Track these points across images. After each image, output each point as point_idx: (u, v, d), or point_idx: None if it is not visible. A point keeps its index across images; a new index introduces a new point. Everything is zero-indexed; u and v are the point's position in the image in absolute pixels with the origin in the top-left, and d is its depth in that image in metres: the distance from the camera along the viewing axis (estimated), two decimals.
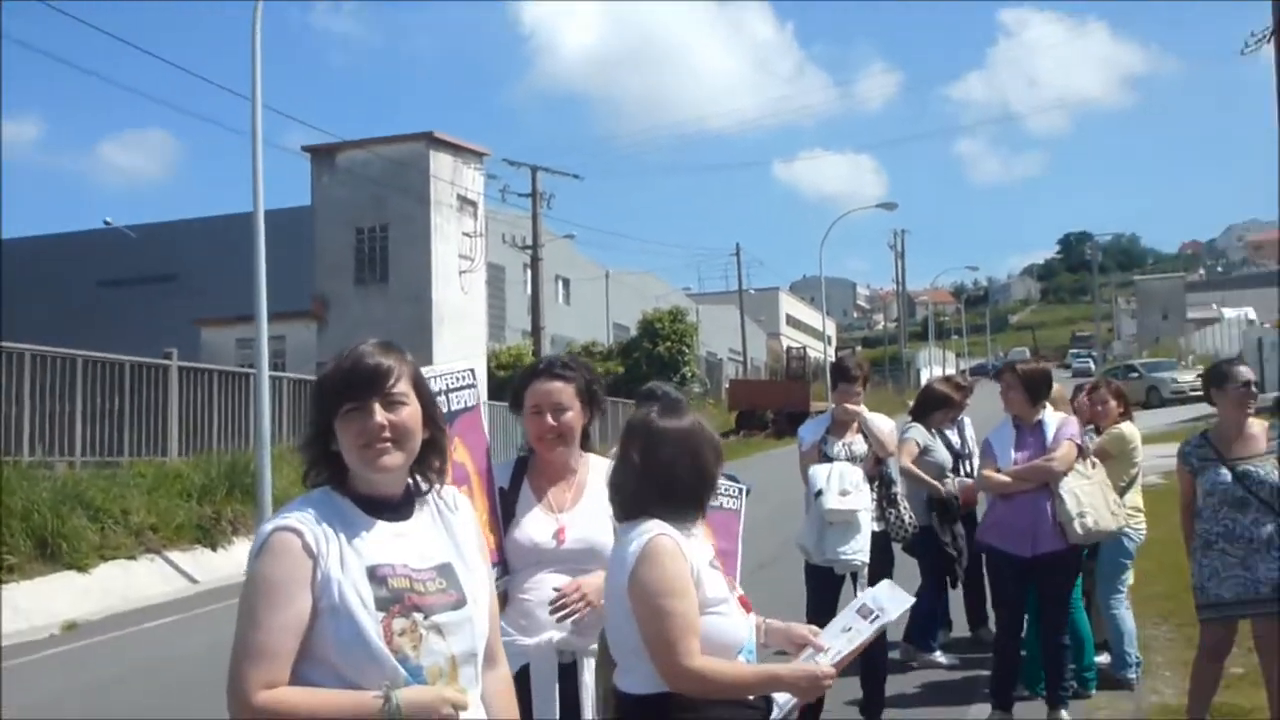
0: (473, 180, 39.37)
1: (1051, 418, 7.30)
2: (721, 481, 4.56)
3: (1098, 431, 8.55)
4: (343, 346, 2.81)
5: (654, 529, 3.30)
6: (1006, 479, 7.18)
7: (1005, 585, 7.40)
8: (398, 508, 2.74)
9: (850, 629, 3.52)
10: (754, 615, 3.49)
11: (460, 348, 35.37)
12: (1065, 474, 7.04)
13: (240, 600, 2.58)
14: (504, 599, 3.93)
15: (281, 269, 19.25)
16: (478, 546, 2.86)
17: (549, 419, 4.11)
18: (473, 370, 4.23)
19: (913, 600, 3.68)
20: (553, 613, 3.90)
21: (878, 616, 3.53)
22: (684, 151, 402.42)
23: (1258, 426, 6.50)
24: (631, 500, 3.41)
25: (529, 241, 40.84)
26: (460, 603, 2.69)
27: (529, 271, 42.63)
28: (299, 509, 2.66)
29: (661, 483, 3.36)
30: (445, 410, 3.76)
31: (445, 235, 37.47)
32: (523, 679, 3.82)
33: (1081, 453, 7.18)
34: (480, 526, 3.10)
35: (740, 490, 4.78)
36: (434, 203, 36.89)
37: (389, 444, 2.69)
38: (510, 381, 4.59)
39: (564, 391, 4.14)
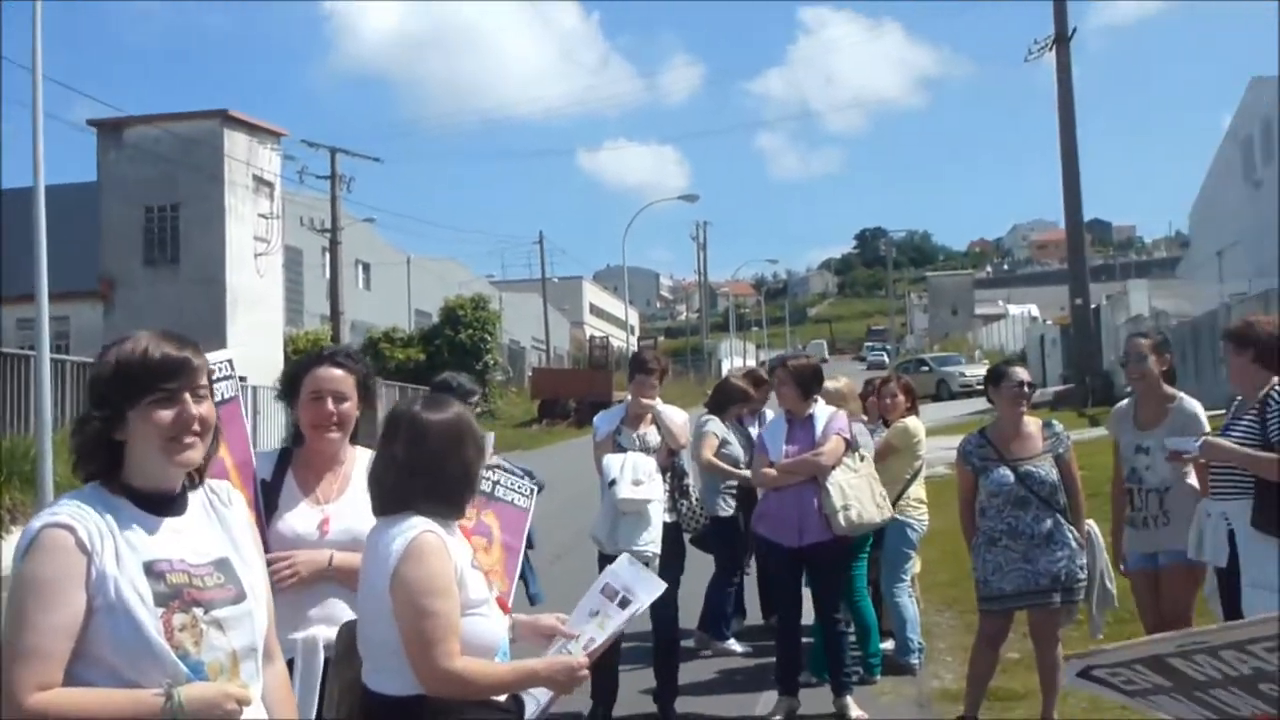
0: (269, 161, 38.41)
1: (821, 412, 7.44)
2: (514, 479, 4.54)
3: (886, 424, 8.83)
4: (126, 332, 2.71)
5: (419, 525, 3.20)
6: (774, 473, 7.34)
7: (779, 575, 7.62)
8: (172, 503, 2.67)
9: (598, 612, 3.49)
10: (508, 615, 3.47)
11: (255, 332, 34.52)
12: (832, 467, 7.21)
13: (8, 600, 2.47)
14: None
15: (66, 247, 18.49)
16: (253, 540, 2.83)
17: (329, 405, 4.05)
18: (230, 361, 4.18)
19: (664, 585, 3.63)
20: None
21: (628, 601, 3.49)
22: (489, 138, 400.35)
23: (1033, 425, 6.80)
24: (391, 494, 3.32)
25: (328, 225, 40.01)
26: (240, 597, 2.66)
27: (328, 255, 41.75)
28: (70, 503, 2.56)
29: (427, 478, 3.27)
30: None
31: (240, 216, 36.49)
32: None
33: (849, 446, 7.35)
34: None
35: (532, 489, 4.76)
36: (228, 183, 35.88)
37: (196, 438, 2.64)
38: (285, 369, 4.49)
39: (345, 380, 4.10)
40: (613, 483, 7.21)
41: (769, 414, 10.06)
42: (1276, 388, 5.71)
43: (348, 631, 3.48)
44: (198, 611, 2.56)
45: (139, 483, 2.63)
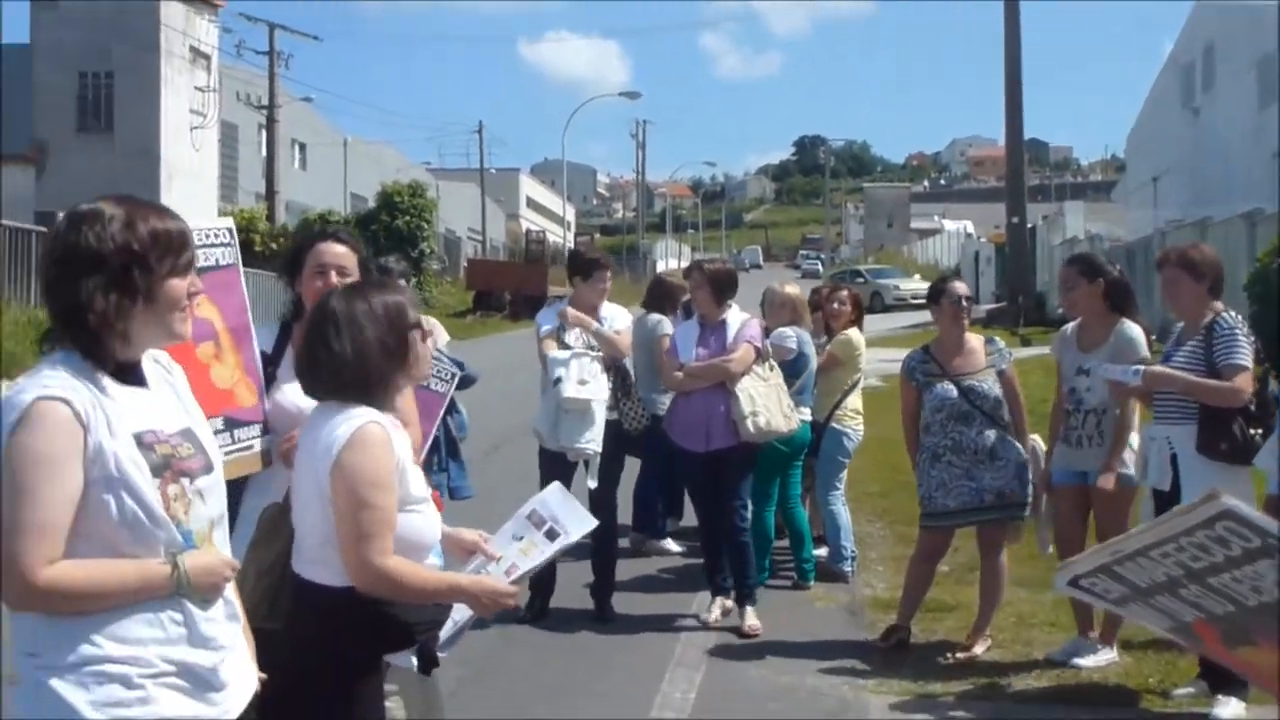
0: (206, 32, 37.51)
1: (734, 318, 7.33)
2: (437, 364, 4.46)
3: (830, 334, 8.85)
4: (87, 200, 2.59)
5: (365, 415, 3.11)
6: (681, 376, 7.29)
7: (689, 480, 7.66)
8: (136, 372, 2.63)
9: (523, 538, 3.39)
10: None
11: (189, 206, 33.68)
12: (741, 374, 7.13)
13: (4, 477, 2.40)
14: (267, 458, 3.93)
15: None
16: (199, 409, 2.81)
17: (333, 278, 4.05)
18: (230, 229, 4.08)
19: (595, 522, 3.51)
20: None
21: (557, 535, 3.38)
22: (429, 21, 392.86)
23: (975, 341, 6.87)
24: (328, 383, 3.21)
25: (265, 101, 39.22)
26: (209, 466, 2.66)
27: (264, 132, 40.93)
28: (55, 373, 2.49)
29: (360, 365, 3.16)
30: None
31: (176, 88, 35.69)
32: None
33: (760, 355, 7.28)
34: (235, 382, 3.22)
35: (453, 374, 4.70)
36: (164, 52, 35.03)
37: (187, 310, 2.65)
38: (287, 245, 4.46)
39: (348, 256, 4.14)
40: (558, 380, 7.19)
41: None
42: (1222, 315, 5.79)
43: (271, 513, 3.46)
44: (185, 482, 2.57)
45: (119, 355, 2.57)
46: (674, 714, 5.91)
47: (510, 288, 43.98)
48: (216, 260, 3.97)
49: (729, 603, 7.38)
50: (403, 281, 6.41)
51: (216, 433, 3.47)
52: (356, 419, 3.10)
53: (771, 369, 7.37)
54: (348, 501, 3.03)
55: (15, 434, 2.42)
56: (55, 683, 2.43)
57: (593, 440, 7.23)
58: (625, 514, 8.97)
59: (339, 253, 4.13)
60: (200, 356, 3.80)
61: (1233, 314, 5.86)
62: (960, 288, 6.99)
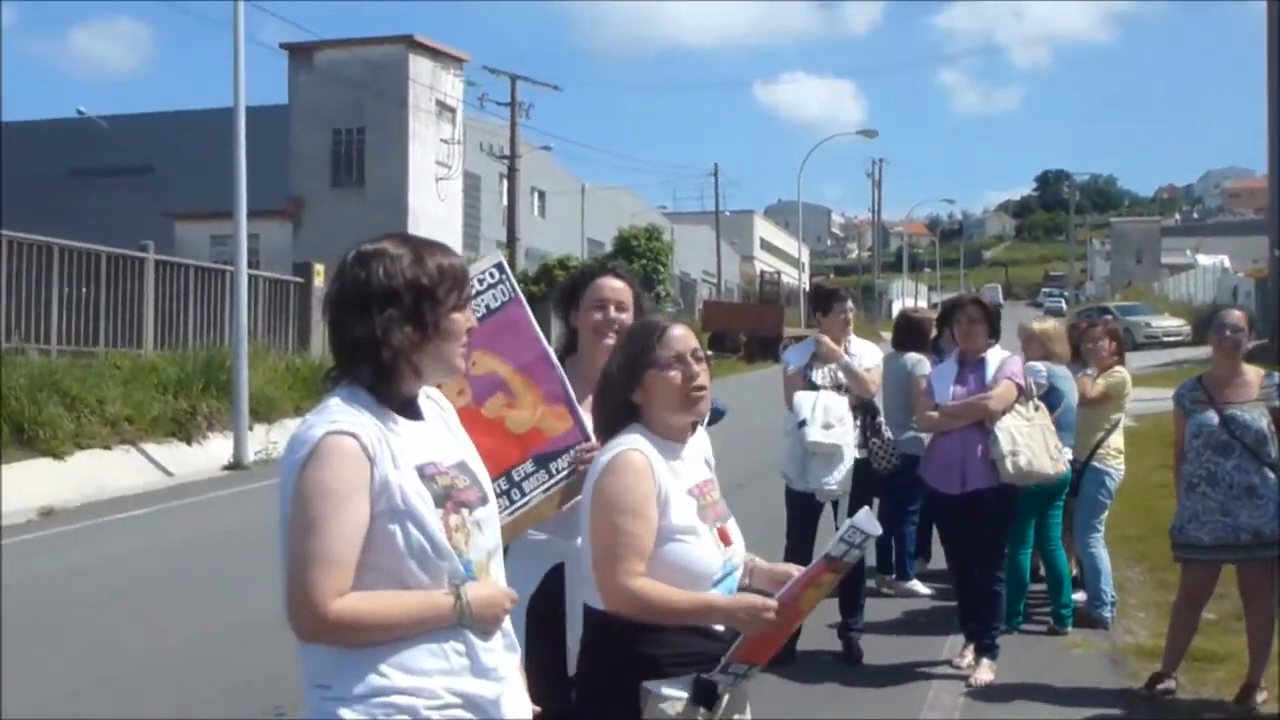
0: (451, 86, 38.96)
1: (994, 355, 7.13)
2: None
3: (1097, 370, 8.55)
4: (373, 239, 2.69)
5: (628, 443, 3.20)
6: (936, 415, 7.12)
7: (941, 522, 7.43)
8: (414, 407, 2.70)
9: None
10: (740, 552, 3.33)
11: None
12: (1001, 412, 6.91)
13: (294, 510, 2.47)
14: None
15: (256, 167, 19.08)
16: (471, 442, 2.86)
17: (611, 312, 4.12)
18: (500, 264, 4.02)
19: (880, 531, 3.40)
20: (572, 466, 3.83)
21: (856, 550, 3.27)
22: (665, 67, 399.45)
23: (1253, 374, 6.54)
24: (611, 417, 3.34)
25: (506, 151, 40.42)
26: (485, 499, 2.71)
27: (505, 181, 42.22)
28: (343, 409, 2.56)
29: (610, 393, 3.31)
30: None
31: (423, 141, 37.18)
32: (557, 578, 3.87)
33: (1022, 393, 7.05)
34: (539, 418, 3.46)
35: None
36: (412, 107, 36.56)
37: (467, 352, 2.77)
38: (565, 279, 4.57)
39: (626, 291, 4.20)
40: (803, 423, 7.15)
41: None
42: None
43: None
44: (465, 513, 2.62)
45: (408, 389, 2.67)
46: None
47: (745, 329, 44.11)
48: (488, 305, 3.92)
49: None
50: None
51: (529, 475, 3.68)
52: (619, 446, 3.20)
53: (1037, 409, 7.14)
54: (600, 524, 3.15)
55: (305, 468, 2.48)
56: (345, 713, 2.48)
57: (841, 481, 7.17)
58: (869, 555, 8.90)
59: (617, 288, 4.18)
60: (488, 414, 3.78)
61: None
62: (1232, 317, 6.69)
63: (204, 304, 21.09)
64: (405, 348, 2.59)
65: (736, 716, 3.33)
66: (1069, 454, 7.79)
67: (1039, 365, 7.93)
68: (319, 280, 23.56)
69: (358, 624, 2.47)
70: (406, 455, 2.57)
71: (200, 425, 17.24)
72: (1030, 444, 6.90)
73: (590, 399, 3.69)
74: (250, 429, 17.24)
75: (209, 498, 14.13)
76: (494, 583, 2.68)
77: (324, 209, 36.27)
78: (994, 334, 7.20)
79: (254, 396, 17.72)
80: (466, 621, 2.57)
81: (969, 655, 7.14)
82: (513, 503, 3.74)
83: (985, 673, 6.93)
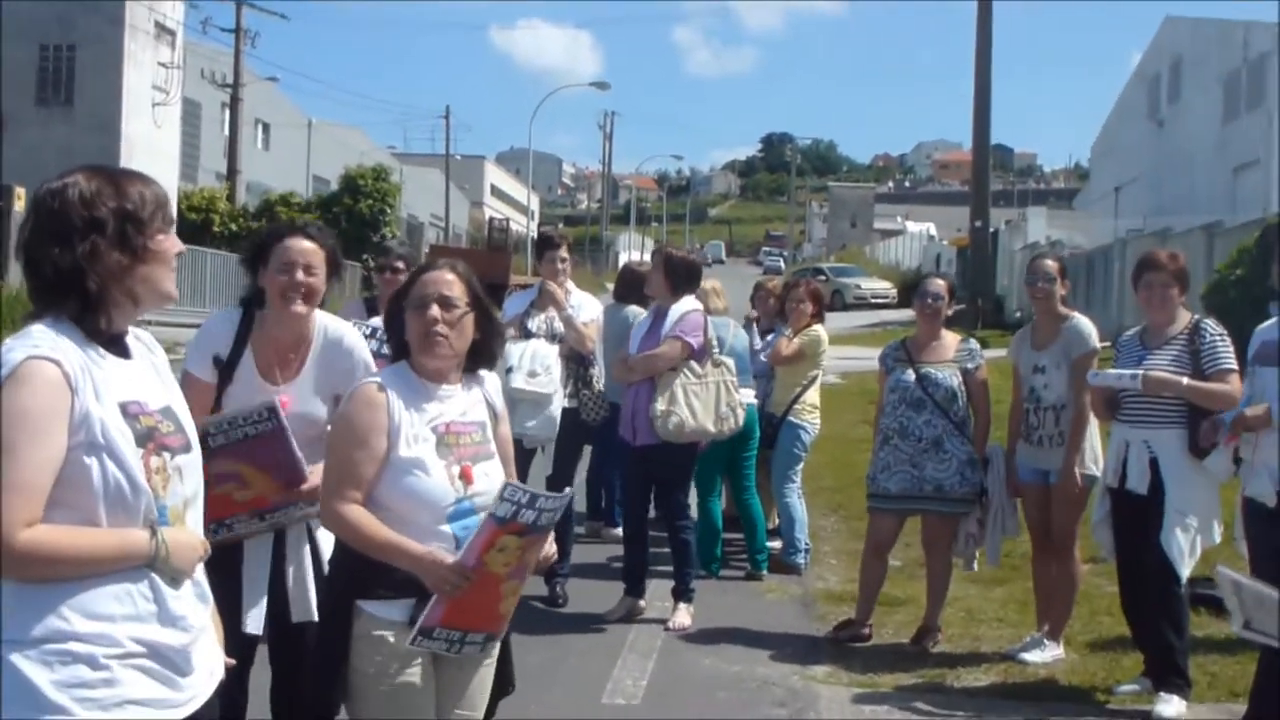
0: (172, 8, 37.13)
1: (676, 310, 7.07)
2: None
3: (792, 330, 8.87)
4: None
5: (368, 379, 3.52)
6: (622, 365, 7.22)
7: (624, 472, 7.56)
8: (123, 345, 2.59)
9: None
10: (490, 494, 3.33)
11: None
12: (664, 369, 6.95)
13: None
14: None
15: None
16: (179, 389, 2.76)
17: (299, 275, 4.01)
18: (273, 407, 3.88)
19: (569, 497, 3.55)
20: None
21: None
22: (401, 5, 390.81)
23: (950, 339, 6.97)
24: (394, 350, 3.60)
25: (229, 80, 38.93)
26: (188, 445, 2.62)
27: (227, 111, 40.68)
28: (45, 333, 2.43)
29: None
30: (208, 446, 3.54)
31: (139, 63, 35.30)
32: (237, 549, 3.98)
33: (696, 351, 7.03)
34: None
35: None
36: (128, 26, 34.63)
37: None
38: (250, 236, 4.43)
39: (315, 254, 4.07)
40: (509, 370, 7.18)
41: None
42: (1205, 321, 5.88)
43: None
44: (166, 456, 2.52)
45: (108, 323, 2.53)
46: (625, 700, 5.92)
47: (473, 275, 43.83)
48: (246, 434, 3.87)
49: (637, 603, 7.28)
50: (400, 264, 6.41)
51: (241, 520, 3.92)
52: (362, 380, 3.56)
53: (716, 366, 7.16)
54: (331, 451, 3.48)
55: (2, 391, 2.34)
56: (16, 659, 2.34)
57: (543, 427, 7.24)
58: (580, 502, 9.03)
59: (306, 249, 4.06)
60: (215, 492, 3.61)
61: (1215, 321, 5.96)
62: (935, 285, 7.06)
63: None
64: (116, 272, 2.49)
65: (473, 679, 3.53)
66: (749, 395, 8.00)
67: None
68: (19, 204, 22.16)
69: (48, 555, 2.34)
70: (110, 390, 2.46)
71: None
72: (693, 403, 6.95)
73: (275, 367, 4.06)
74: None
75: None
76: (191, 530, 2.60)
77: (27, 128, 34.02)
78: (675, 286, 7.09)
79: None
80: (160, 564, 2.47)
81: (621, 609, 7.23)
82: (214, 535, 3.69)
83: (683, 616, 7.13)
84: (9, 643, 2.34)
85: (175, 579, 2.52)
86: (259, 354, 4.09)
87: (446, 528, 3.33)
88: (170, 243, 2.60)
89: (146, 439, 2.48)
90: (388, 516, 3.33)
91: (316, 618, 3.96)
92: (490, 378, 3.69)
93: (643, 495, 7.48)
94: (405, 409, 3.37)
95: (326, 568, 3.91)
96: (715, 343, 7.35)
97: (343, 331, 4.22)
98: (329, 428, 3.48)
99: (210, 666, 2.63)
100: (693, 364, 7.03)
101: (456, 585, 3.23)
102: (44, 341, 2.41)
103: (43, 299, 2.49)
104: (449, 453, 3.39)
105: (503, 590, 3.37)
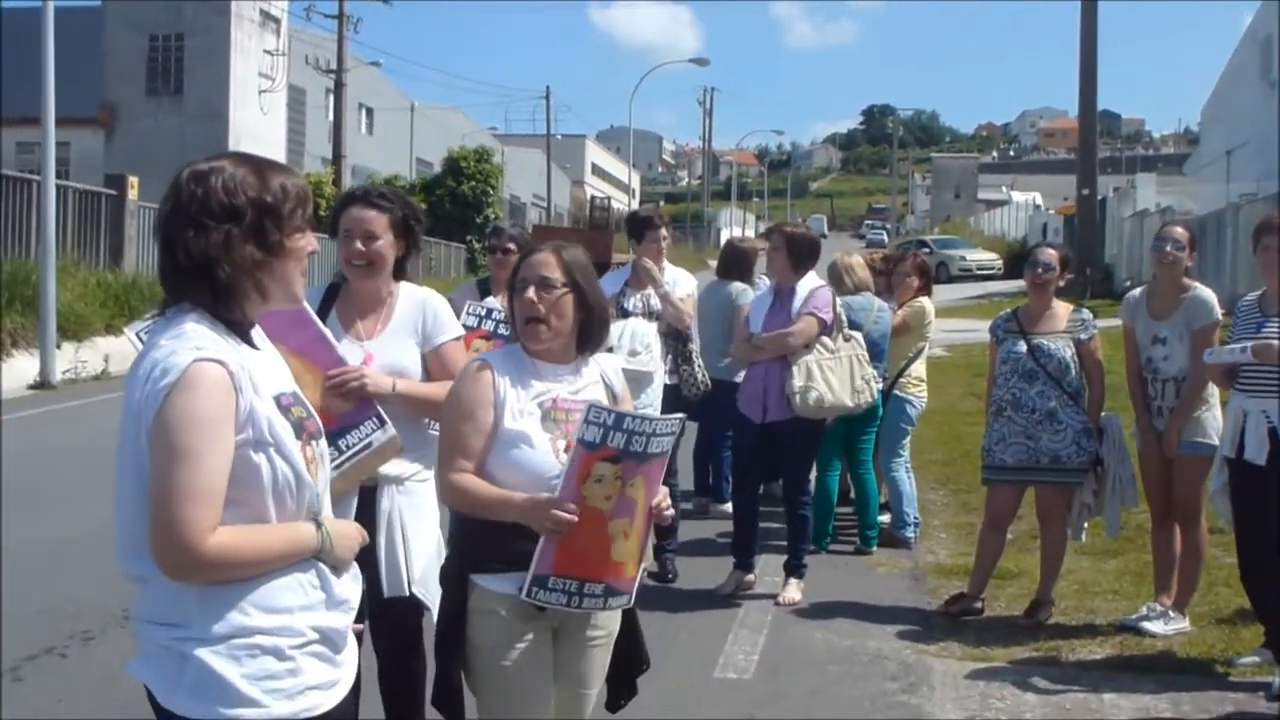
0: None
1: (804, 286, 7.14)
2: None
3: (898, 303, 8.83)
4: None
5: (479, 357, 3.63)
6: (747, 346, 7.23)
7: (741, 448, 7.51)
8: (251, 336, 2.60)
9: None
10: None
11: None
12: (802, 346, 6.99)
13: (159, 440, 2.33)
14: (395, 445, 4.11)
15: (67, 72, 18.20)
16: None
17: (358, 244, 4.15)
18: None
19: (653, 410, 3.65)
20: (327, 386, 3.93)
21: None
22: None
23: (1062, 309, 6.86)
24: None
25: (333, 65, 39.38)
26: (320, 431, 2.65)
27: (332, 97, 41.09)
28: (200, 332, 2.43)
29: None
30: None
31: (245, 51, 35.94)
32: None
33: (827, 326, 7.10)
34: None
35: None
36: (235, 15, 35.26)
37: None
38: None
39: (377, 220, 4.17)
40: (609, 350, 7.19)
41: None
42: None
43: None
44: (314, 445, 2.57)
45: (250, 312, 2.57)
46: (737, 674, 5.96)
47: None
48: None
49: (746, 577, 7.33)
50: (512, 245, 6.40)
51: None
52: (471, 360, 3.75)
53: (847, 340, 7.22)
54: (442, 425, 3.63)
55: (172, 396, 2.34)
56: (205, 654, 2.39)
57: (650, 405, 7.24)
58: (687, 479, 9.05)
59: (366, 217, 4.16)
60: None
61: None
62: (1045, 255, 6.96)
63: (9, 215, 20.06)
64: (248, 265, 2.48)
65: (591, 633, 3.57)
66: (880, 383, 8.01)
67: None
68: (133, 193, 22.69)
69: (232, 560, 2.38)
70: (264, 385, 2.48)
71: (4, 342, 16.56)
72: (829, 378, 6.99)
73: (360, 324, 4.18)
74: (58, 347, 16.62)
75: (14, 418, 13.59)
76: (345, 518, 2.72)
77: (139, 118, 34.84)
78: (798, 264, 7.16)
79: (62, 314, 17.09)
80: (325, 554, 2.55)
81: (731, 584, 7.27)
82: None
83: (793, 591, 7.15)
84: (193, 640, 2.40)
85: (338, 567, 2.60)
86: (343, 317, 4.25)
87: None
88: (306, 241, 2.59)
89: (300, 430, 2.52)
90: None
91: (408, 592, 4.08)
92: (611, 359, 3.77)
93: (761, 471, 7.47)
94: (511, 385, 3.44)
95: (414, 542, 4.12)
96: (844, 319, 7.38)
97: (425, 294, 4.37)
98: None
99: (353, 641, 2.70)
100: (825, 339, 7.08)
101: (560, 521, 3.23)
102: (205, 342, 2.41)
103: (175, 285, 2.49)
104: (555, 427, 3.43)
105: (610, 530, 3.32)
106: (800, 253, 7.18)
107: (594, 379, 3.61)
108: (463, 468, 3.42)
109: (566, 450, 3.36)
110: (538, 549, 3.28)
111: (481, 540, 3.41)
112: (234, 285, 2.48)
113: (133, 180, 22.86)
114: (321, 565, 2.54)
